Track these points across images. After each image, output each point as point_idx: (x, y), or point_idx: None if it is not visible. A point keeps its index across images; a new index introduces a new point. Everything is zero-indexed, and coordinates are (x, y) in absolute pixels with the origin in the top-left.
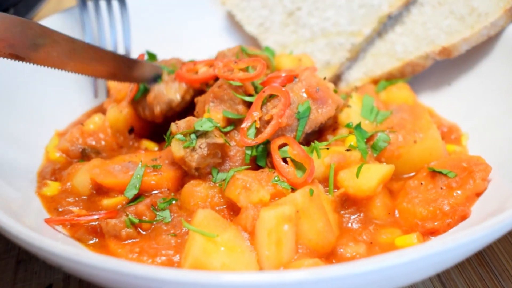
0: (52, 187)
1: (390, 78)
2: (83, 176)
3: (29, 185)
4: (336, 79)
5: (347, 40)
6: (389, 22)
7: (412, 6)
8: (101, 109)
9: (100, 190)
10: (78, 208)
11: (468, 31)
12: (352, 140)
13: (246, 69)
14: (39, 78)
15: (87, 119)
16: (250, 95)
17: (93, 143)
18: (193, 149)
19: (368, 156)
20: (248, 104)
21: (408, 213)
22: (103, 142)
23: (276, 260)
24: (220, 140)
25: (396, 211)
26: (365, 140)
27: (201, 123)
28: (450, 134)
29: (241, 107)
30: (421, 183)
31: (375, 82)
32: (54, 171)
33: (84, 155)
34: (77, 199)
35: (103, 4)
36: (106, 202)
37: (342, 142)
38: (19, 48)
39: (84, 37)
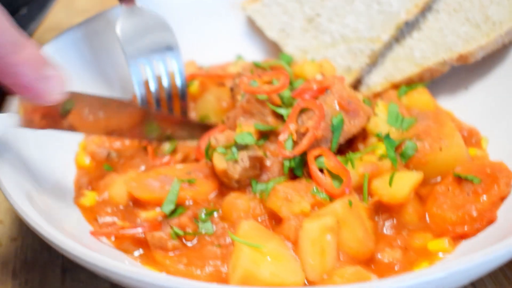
0: (90, 198)
1: (410, 83)
2: (120, 188)
3: (67, 195)
4: (357, 83)
5: (367, 46)
6: (406, 27)
7: (428, 12)
8: None
9: (137, 202)
10: (115, 218)
11: (484, 39)
12: (381, 148)
13: (270, 82)
14: None
15: None
16: (277, 105)
17: (118, 144)
18: (235, 162)
19: (397, 163)
20: (277, 116)
21: (438, 218)
22: (127, 143)
23: (320, 268)
24: (260, 152)
25: (427, 216)
26: (394, 148)
27: (242, 137)
28: (471, 138)
29: (270, 119)
30: (448, 189)
31: (395, 86)
32: (91, 181)
33: (109, 159)
34: (115, 209)
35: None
36: (145, 215)
37: (371, 151)
38: (52, 116)
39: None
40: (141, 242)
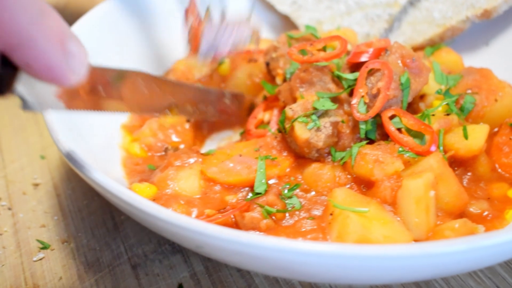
0: (149, 191)
1: (431, 44)
2: (191, 180)
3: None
4: None
5: (384, 11)
6: None
7: None
8: None
9: (210, 189)
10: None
11: None
12: (441, 104)
13: (323, 49)
14: None
15: None
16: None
17: (173, 136)
18: (318, 130)
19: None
20: (337, 82)
21: (510, 167)
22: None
23: (426, 226)
24: (339, 118)
25: (497, 166)
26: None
27: (322, 103)
28: None
29: (331, 86)
30: (510, 138)
31: (415, 49)
32: (142, 173)
33: (166, 152)
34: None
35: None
36: (229, 198)
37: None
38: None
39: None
40: (231, 226)
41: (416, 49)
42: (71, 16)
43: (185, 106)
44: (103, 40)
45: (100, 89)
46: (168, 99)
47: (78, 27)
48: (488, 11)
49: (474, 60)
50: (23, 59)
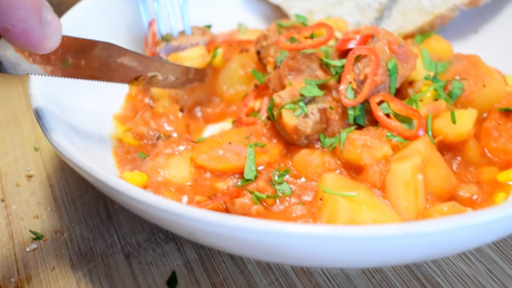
0: (140, 180)
1: (421, 32)
2: (181, 167)
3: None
4: None
5: (374, 0)
6: None
7: None
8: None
9: (201, 176)
10: (185, 196)
11: None
12: (429, 91)
13: (310, 37)
14: None
15: (156, 103)
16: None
17: (166, 125)
18: (306, 116)
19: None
20: (325, 69)
21: (499, 151)
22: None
23: (415, 209)
24: (327, 104)
25: (487, 151)
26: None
27: (309, 90)
28: None
29: (319, 73)
30: (499, 123)
31: (405, 37)
32: (133, 162)
33: (158, 141)
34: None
35: None
36: (220, 185)
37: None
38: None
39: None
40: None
41: (407, 37)
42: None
43: (152, 77)
44: (94, 31)
45: (70, 57)
46: (136, 70)
47: (70, 17)
48: None
49: (463, 47)
50: (1, 24)
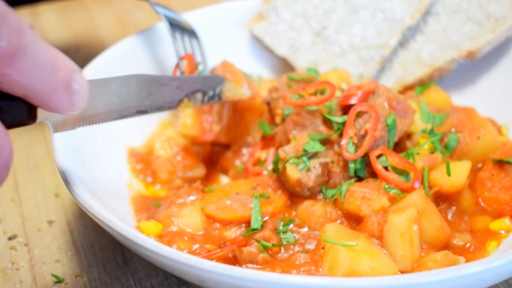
0: (156, 229)
1: (420, 83)
2: (193, 216)
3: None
4: None
5: (376, 52)
6: (409, 32)
7: (428, 16)
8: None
9: (210, 225)
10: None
11: (490, 35)
12: (425, 143)
13: (314, 93)
14: None
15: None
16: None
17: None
18: (308, 170)
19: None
20: (328, 124)
21: (493, 201)
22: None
23: (411, 258)
24: (328, 159)
25: (480, 200)
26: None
27: (312, 145)
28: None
29: (322, 128)
30: (492, 174)
31: (405, 88)
32: (149, 210)
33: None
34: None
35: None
36: (228, 234)
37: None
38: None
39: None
40: (228, 260)
41: (407, 88)
42: (84, 59)
43: (195, 96)
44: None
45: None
46: (177, 93)
47: (93, 68)
48: (472, 52)
49: (461, 97)
50: (34, 103)
